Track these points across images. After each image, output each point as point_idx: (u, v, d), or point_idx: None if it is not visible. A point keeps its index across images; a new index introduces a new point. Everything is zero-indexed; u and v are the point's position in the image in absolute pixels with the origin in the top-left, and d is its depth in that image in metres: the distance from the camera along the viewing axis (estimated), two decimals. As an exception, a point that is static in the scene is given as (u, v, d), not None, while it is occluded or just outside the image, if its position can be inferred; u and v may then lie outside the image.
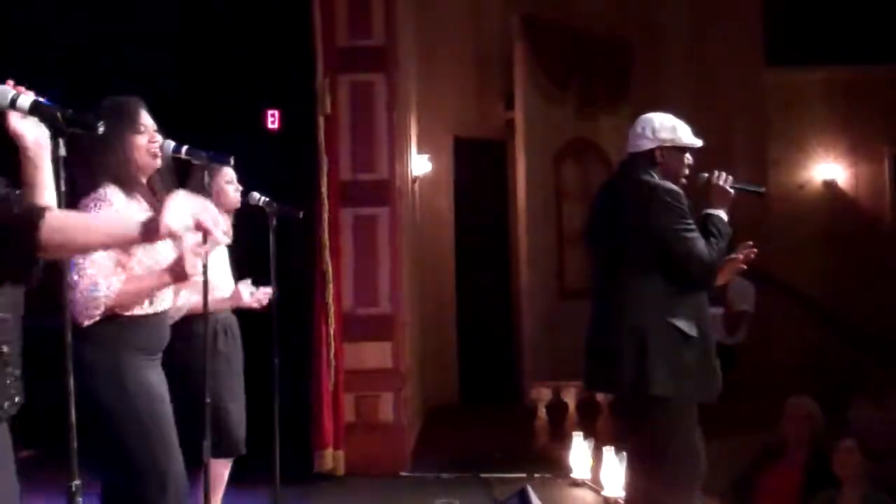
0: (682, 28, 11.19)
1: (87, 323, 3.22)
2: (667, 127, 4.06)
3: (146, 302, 3.37)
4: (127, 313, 3.31)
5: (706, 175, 4.14)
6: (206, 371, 3.80)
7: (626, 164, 4.17)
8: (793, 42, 10.89)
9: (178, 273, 3.34)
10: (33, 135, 2.34)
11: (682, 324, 3.89)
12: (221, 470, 4.79)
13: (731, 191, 4.11)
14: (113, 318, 3.28)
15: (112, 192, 3.33)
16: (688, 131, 4.10)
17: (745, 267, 4.26)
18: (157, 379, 3.44)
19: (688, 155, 4.11)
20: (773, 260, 10.63)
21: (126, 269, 3.31)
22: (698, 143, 4.12)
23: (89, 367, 3.12)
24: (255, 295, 4.64)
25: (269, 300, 4.76)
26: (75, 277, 3.19)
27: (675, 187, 3.97)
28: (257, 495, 5.67)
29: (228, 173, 4.79)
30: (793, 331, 10.32)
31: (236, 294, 4.60)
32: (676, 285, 3.93)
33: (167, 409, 3.42)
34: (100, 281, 3.21)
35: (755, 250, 4.22)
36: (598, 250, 4.25)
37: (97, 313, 3.23)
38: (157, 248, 3.39)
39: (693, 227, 3.94)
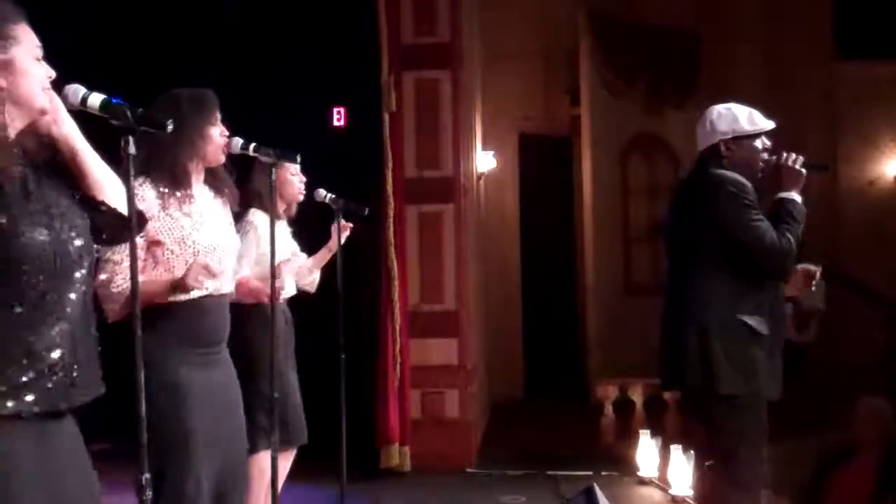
0: (751, 21, 11.03)
1: (111, 319, 3.15)
2: (726, 118, 3.92)
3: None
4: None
5: (773, 158, 3.96)
6: (272, 368, 3.82)
7: (698, 161, 4.10)
8: (863, 35, 10.68)
9: (180, 286, 3.21)
10: (51, 131, 2.27)
11: (752, 320, 3.80)
12: (283, 461, 4.85)
13: (803, 171, 3.95)
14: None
15: (142, 187, 3.27)
16: (752, 117, 3.93)
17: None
18: (201, 375, 3.31)
19: (762, 139, 3.95)
20: (843, 256, 10.46)
21: (159, 262, 3.28)
22: (764, 126, 3.94)
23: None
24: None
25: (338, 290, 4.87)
26: (101, 274, 3.14)
27: (740, 178, 3.83)
28: (324, 491, 5.70)
29: (292, 166, 4.83)
30: (864, 330, 10.13)
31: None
32: (748, 280, 3.82)
33: (196, 406, 3.26)
34: (115, 278, 3.16)
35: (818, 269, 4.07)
36: (671, 247, 4.18)
37: (115, 308, 3.16)
38: (201, 243, 3.35)
39: (760, 216, 3.80)
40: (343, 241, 4.87)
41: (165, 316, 3.24)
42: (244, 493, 3.51)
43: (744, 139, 3.92)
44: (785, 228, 3.81)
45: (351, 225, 4.92)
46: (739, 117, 3.92)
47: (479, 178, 9.12)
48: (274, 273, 3.78)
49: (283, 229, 4.82)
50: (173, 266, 3.29)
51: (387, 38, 7.08)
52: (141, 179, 3.26)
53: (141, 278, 3.17)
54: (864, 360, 9.40)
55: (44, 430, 2.19)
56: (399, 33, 7.18)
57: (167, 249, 3.30)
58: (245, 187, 4.65)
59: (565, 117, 10.94)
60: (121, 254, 3.14)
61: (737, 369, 3.79)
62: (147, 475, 2.22)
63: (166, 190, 3.33)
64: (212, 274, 3.22)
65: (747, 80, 10.16)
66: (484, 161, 9.43)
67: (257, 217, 4.66)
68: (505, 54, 10.22)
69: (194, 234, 3.34)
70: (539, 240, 10.86)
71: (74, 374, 2.23)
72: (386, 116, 7.06)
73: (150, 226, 3.24)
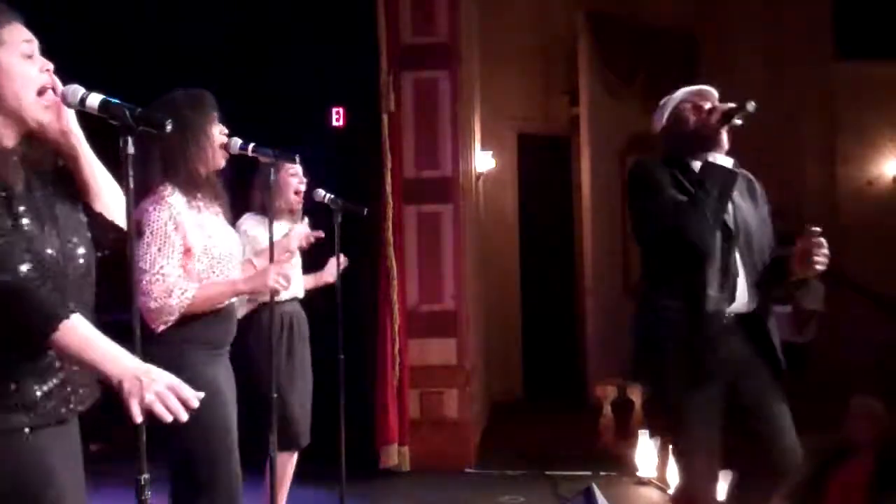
0: (750, 21, 11.02)
1: (161, 329, 3.20)
2: (654, 117, 4.05)
3: None
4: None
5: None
6: (273, 366, 3.82)
7: None
8: (863, 35, 10.67)
9: (256, 285, 3.38)
10: (53, 129, 2.26)
11: (664, 305, 3.74)
12: (286, 464, 4.83)
13: (717, 123, 3.70)
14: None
15: (173, 196, 3.30)
16: (662, 108, 3.98)
17: (817, 266, 3.80)
18: (221, 374, 3.40)
19: (688, 108, 3.86)
20: (842, 256, 10.44)
21: (186, 270, 3.28)
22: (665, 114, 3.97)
23: (153, 362, 3.09)
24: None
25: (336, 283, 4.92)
26: (147, 284, 3.16)
27: (643, 160, 3.91)
28: (323, 491, 5.70)
29: (292, 166, 4.83)
30: (862, 330, 10.12)
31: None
32: (667, 263, 3.76)
33: (228, 404, 3.39)
34: (174, 290, 3.19)
35: (820, 242, 3.79)
36: None
37: (172, 319, 3.21)
38: (218, 251, 3.37)
39: (653, 191, 3.71)
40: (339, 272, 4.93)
41: (195, 324, 3.28)
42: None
43: (670, 127, 3.94)
44: (687, 203, 3.63)
45: (347, 260, 5.00)
46: (657, 117, 4.03)
47: (477, 178, 9.12)
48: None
49: (284, 230, 4.81)
50: (199, 276, 3.30)
51: (386, 37, 7.07)
52: (169, 189, 3.27)
53: (195, 287, 3.24)
54: (864, 360, 9.40)
55: (52, 436, 2.21)
56: (398, 33, 7.17)
57: (196, 259, 3.30)
58: (247, 191, 4.67)
59: (564, 117, 10.92)
60: (171, 266, 3.20)
61: (641, 355, 3.93)
62: (146, 476, 2.21)
63: (187, 197, 3.34)
64: (287, 277, 3.34)
65: (747, 80, 10.13)
66: (483, 161, 9.43)
67: (247, 223, 4.67)
68: (504, 54, 10.21)
69: (211, 242, 3.34)
70: (538, 240, 10.85)
71: (81, 383, 2.23)
72: (385, 116, 7.05)
73: (185, 234, 3.25)
